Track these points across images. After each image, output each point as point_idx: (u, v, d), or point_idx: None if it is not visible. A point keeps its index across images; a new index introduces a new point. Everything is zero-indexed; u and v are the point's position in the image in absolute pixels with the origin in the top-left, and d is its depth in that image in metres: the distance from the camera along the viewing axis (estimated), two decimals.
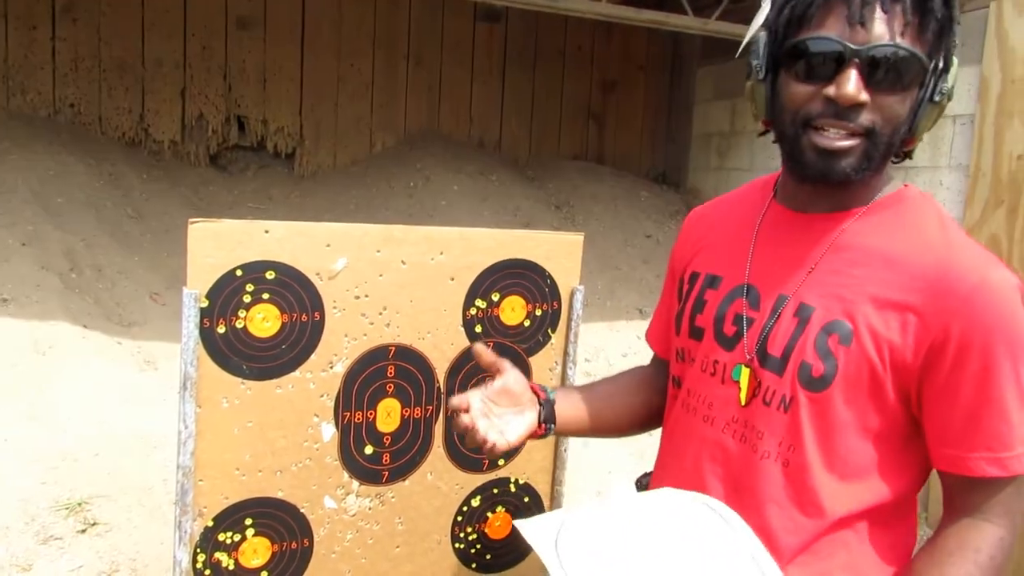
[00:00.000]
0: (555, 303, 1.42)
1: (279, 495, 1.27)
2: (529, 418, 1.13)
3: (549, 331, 1.43)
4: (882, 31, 0.89)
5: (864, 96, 0.90)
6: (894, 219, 0.98)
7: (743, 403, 1.02)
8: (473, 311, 1.36)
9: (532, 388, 1.17)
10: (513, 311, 1.39)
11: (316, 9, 4.65)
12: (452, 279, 1.34)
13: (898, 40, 0.89)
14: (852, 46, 0.89)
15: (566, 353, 1.45)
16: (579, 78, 5.34)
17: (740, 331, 1.04)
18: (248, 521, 1.26)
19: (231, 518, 1.25)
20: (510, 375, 1.13)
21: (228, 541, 1.25)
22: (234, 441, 1.23)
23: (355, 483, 1.32)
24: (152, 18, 4.35)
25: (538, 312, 1.41)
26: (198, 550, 1.23)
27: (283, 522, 1.28)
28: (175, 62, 4.42)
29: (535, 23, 5.10)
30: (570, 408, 1.20)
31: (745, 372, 1.02)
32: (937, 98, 0.93)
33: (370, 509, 1.34)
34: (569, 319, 1.44)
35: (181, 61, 4.43)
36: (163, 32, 4.38)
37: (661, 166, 5.59)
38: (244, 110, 4.60)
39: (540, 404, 1.16)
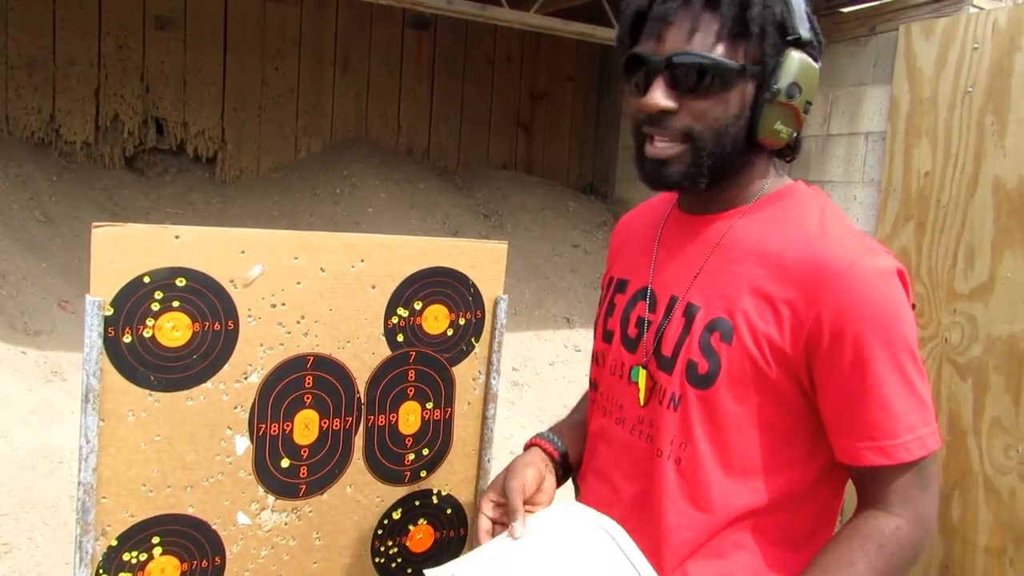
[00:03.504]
0: (479, 312, 1.41)
1: (189, 511, 1.22)
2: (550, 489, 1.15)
3: (473, 340, 1.41)
4: (674, 41, 0.94)
5: (667, 103, 0.95)
6: (776, 215, 1.01)
7: (642, 403, 1.03)
8: (395, 320, 1.34)
9: (544, 448, 1.17)
10: (436, 320, 1.37)
11: (239, 11, 4.54)
12: (373, 287, 1.31)
13: (688, 47, 0.93)
14: (653, 58, 0.94)
15: (489, 363, 1.43)
16: (508, 87, 5.36)
17: (641, 333, 1.06)
18: (155, 539, 1.20)
19: (137, 536, 1.19)
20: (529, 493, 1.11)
21: (133, 561, 1.19)
22: (140, 456, 1.17)
23: (271, 498, 1.28)
24: (64, 15, 4.17)
25: (461, 321, 1.39)
26: (101, 571, 1.17)
27: (193, 540, 1.23)
28: (89, 61, 4.25)
29: (464, 31, 5.10)
30: (576, 446, 1.22)
31: (642, 373, 1.04)
32: (769, 97, 0.95)
33: (286, 524, 1.30)
34: (493, 328, 1.42)
35: (95, 60, 4.26)
36: (76, 30, 4.20)
37: (589, 176, 5.65)
38: (163, 112, 4.45)
39: (555, 464, 1.18)
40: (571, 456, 1.20)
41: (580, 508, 1.08)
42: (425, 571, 1.06)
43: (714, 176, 0.99)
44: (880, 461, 0.91)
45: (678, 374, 0.99)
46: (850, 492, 1.02)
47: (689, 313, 1.00)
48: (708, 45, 0.94)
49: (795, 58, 0.95)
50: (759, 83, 0.96)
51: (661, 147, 0.97)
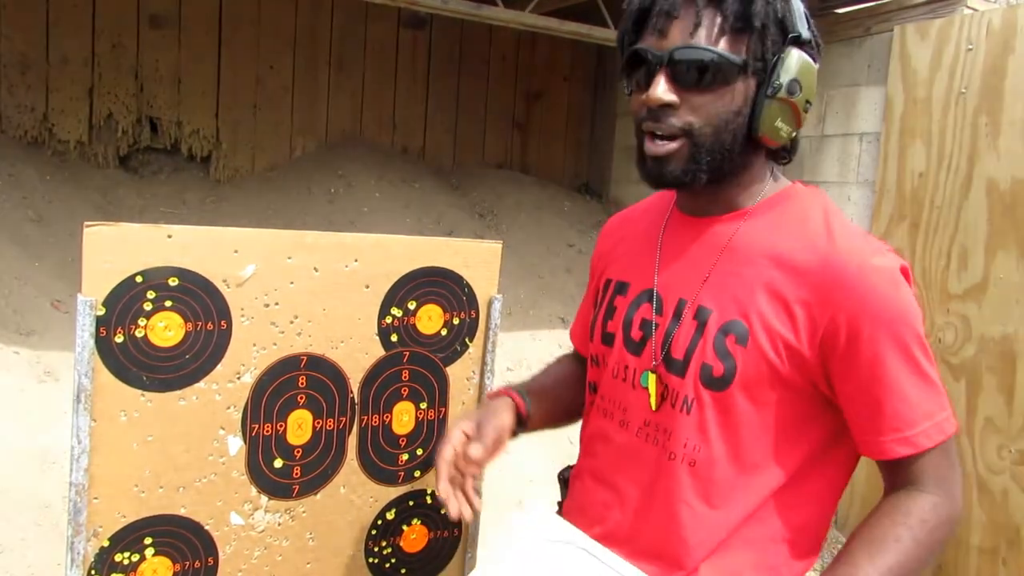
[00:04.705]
0: (473, 312, 1.41)
1: (181, 512, 1.21)
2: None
3: (467, 340, 1.41)
4: (676, 35, 0.95)
5: (670, 97, 0.95)
6: (781, 216, 1.02)
7: (654, 408, 1.03)
8: (389, 320, 1.33)
9: (518, 406, 1.19)
10: (430, 320, 1.37)
11: (234, 9, 4.52)
12: (367, 287, 1.31)
13: (692, 41, 0.94)
14: (656, 52, 0.95)
15: (484, 363, 1.43)
16: (504, 87, 5.35)
17: (646, 336, 1.06)
18: (148, 540, 1.20)
19: (129, 537, 1.18)
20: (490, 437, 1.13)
21: (126, 562, 1.18)
22: (133, 456, 1.17)
23: (264, 498, 1.28)
24: (58, 14, 4.15)
25: (456, 321, 1.39)
26: (93, 572, 1.16)
27: (186, 540, 1.22)
28: (83, 59, 4.23)
29: (460, 31, 5.09)
30: (538, 413, 1.24)
31: (652, 378, 1.04)
32: (770, 92, 0.96)
33: (279, 525, 1.30)
34: (487, 328, 1.42)
35: (89, 59, 4.24)
36: (70, 28, 4.18)
37: (584, 176, 5.64)
38: (157, 111, 4.43)
39: (520, 421, 1.20)
40: (531, 422, 1.22)
41: (554, 529, 1.08)
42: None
43: (713, 174, 0.99)
44: (906, 452, 0.94)
45: (692, 377, 0.99)
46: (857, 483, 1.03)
47: (701, 316, 1.00)
48: (711, 39, 0.95)
49: (795, 55, 0.97)
50: (760, 79, 0.97)
51: (660, 144, 0.97)
